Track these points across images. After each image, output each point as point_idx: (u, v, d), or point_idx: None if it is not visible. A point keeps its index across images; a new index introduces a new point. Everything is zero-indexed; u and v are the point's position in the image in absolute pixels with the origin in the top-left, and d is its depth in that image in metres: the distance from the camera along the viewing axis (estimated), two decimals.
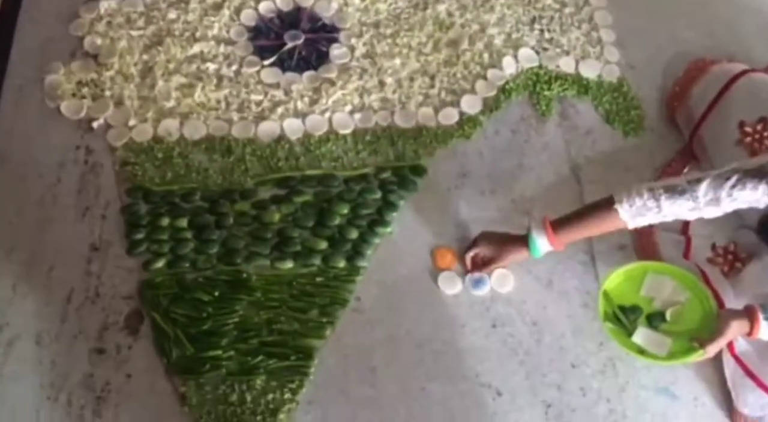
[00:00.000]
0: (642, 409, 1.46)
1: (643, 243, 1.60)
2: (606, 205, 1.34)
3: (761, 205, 1.25)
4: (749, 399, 1.42)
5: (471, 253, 1.54)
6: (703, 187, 1.26)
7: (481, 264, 1.55)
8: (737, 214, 1.43)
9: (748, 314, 1.28)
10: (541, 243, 1.42)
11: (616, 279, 1.47)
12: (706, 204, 1.27)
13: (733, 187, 1.23)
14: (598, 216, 1.36)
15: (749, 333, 1.28)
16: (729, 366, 1.45)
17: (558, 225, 1.41)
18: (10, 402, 1.42)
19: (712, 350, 1.32)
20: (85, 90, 1.79)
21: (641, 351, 1.38)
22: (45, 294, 1.53)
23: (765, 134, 1.55)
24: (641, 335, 1.40)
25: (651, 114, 1.81)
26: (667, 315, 1.42)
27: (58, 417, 1.41)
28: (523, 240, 1.46)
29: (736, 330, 1.30)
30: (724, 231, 1.58)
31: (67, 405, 1.42)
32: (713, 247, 1.57)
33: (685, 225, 1.59)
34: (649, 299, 1.45)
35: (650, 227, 1.44)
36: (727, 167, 1.26)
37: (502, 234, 1.52)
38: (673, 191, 1.28)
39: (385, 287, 1.57)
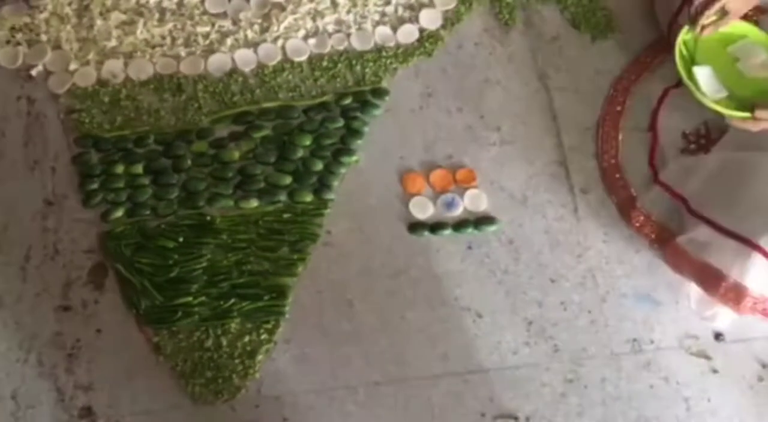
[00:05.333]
0: (624, 318, 1.45)
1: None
2: None
3: None
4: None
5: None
6: None
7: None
8: None
9: None
10: None
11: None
12: None
13: None
14: None
15: None
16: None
17: None
18: None
19: (759, 114, 1.26)
20: (19, 36, 1.67)
21: (696, 85, 1.38)
22: (2, 254, 1.47)
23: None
24: (704, 72, 1.38)
25: (619, 13, 1.73)
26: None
27: (29, 378, 1.37)
28: None
29: None
30: None
31: (37, 365, 1.38)
32: None
33: None
34: (732, 58, 1.44)
35: None
36: None
37: None
38: None
39: (355, 218, 1.52)
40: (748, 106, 1.36)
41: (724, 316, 1.41)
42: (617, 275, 1.48)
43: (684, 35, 1.42)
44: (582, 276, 1.48)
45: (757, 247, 1.29)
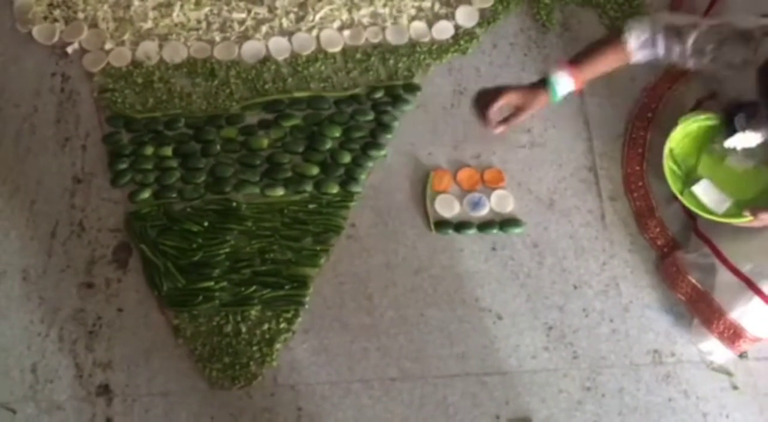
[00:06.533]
0: (645, 328, 1.44)
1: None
2: (615, 36, 1.30)
3: (735, 68, 1.22)
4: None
5: (498, 104, 1.34)
6: (695, 35, 1.22)
7: (502, 120, 1.37)
8: None
9: None
10: (562, 83, 1.31)
11: (682, 131, 1.42)
12: (692, 53, 1.24)
13: (721, 42, 1.20)
14: (609, 49, 1.31)
15: None
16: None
17: (573, 62, 1.33)
18: (0, 340, 1.39)
19: (761, 216, 1.26)
20: (57, 12, 1.69)
21: (698, 205, 1.36)
22: (29, 228, 1.48)
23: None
24: (702, 187, 1.36)
25: None
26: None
27: (49, 352, 1.39)
28: (543, 86, 1.33)
29: None
30: None
31: (58, 340, 1.40)
32: None
33: None
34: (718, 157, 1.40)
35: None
36: (723, 20, 1.23)
37: (522, 85, 1.37)
38: (671, 34, 1.25)
39: (380, 213, 1.52)
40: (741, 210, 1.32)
41: (720, 353, 1.40)
42: (642, 285, 1.46)
43: (669, 145, 1.39)
44: (605, 284, 1.47)
45: (759, 292, 1.28)
